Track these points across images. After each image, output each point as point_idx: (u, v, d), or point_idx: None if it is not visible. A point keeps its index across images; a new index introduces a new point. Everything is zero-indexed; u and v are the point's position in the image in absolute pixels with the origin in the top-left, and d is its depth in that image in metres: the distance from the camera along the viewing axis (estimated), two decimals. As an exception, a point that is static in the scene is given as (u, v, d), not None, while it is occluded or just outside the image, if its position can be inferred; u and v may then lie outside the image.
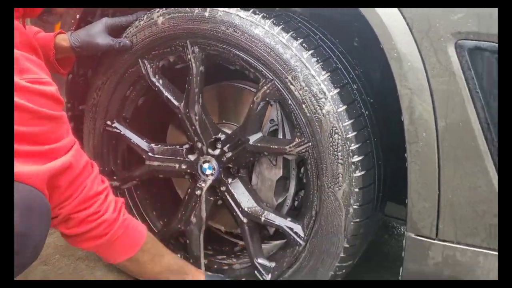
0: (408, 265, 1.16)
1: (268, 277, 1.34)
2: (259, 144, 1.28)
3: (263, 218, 1.32)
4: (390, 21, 1.01)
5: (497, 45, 0.93)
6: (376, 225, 1.41)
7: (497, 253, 1.06)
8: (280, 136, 1.34)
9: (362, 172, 1.15)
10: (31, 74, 1.00)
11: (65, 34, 1.38)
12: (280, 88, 1.19)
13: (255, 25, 1.19)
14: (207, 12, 1.23)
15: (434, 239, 1.10)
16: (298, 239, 1.27)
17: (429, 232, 1.10)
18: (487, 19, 0.94)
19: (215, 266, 1.49)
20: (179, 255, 1.54)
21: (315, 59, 1.16)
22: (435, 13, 0.98)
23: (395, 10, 1.00)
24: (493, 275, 1.07)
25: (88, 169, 1.11)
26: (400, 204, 1.65)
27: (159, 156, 1.47)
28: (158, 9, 1.33)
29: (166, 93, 1.38)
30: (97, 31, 1.35)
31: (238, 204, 1.36)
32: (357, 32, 1.39)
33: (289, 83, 1.17)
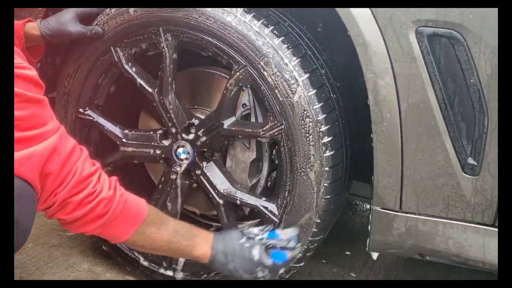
0: (375, 237, 1.26)
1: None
2: (233, 128, 1.33)
3: (239, 199, 1.38)
4: (356, 10, 1.08)
5: (453, 31, 1.02)
6: (344, 202, 1.50)
7: (453, 221, 1.16)
8: (253, 120, 1.39)
9: (332, 152, 1.23)
10: None
11: (34, 22, 1.37)
12: (253, 73, 1.24)
13: (227, 13, 1.23)
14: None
15: (398, 212, 1.19)
16: (272, 217, 1.34)
17: (393, 205, 1.19)
18: (443, 8, 1.03)
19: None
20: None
21: (285, 45, 1.22)
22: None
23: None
24: (451, 243, 1.18)
25: (77, 151, 1.09)
26: (365, 182, 1.76)
27: (133, 142, 1.50)
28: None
29: (139, 80, 1.41)
30: (68, 19, 1.35)
31: (214, 187, 1.41)
32: (321, 18, 1.46)
33: (261, 69, 1.22)
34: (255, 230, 1.29)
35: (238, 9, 1.23)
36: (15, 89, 0.96)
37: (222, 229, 1.45)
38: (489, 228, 1.13)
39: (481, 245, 1.15)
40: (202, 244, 1.24)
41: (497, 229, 1.12)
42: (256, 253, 1.23)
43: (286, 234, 1.27)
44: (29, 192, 1.01)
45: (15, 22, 1.37)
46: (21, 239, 1.03)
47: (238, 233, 1.27)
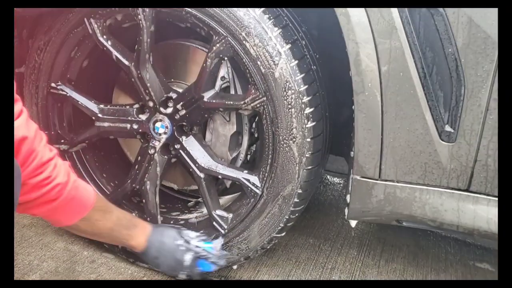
0: (354, 205, 1.29)
1: (226, 227, 1.42)
2: (214, 101, 1.33)
3: (220, 172, 1.38)
4: (338, -20, 1.09)
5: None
6: (321, 173, 1.53)
7: (430, 188, 1.21)
8: (232, 92, 1.39)
9: (313, 123, 1.25)
10: None
11: None
12: (234, 45, 1.23)
13: (207, -18, 1.21)
14: (157, -31, 1.23)
15: (377, 180, 1.23)
16: (255, 189, 1.35)
17: (373, 174, 1.23)
18: (424, -22, 1.05)
19: (171, 222, 1.54)
20: (134, 214, 1.57)
21: (266, 15, 1.21)
22: (379, -27, 1.07)
23: (343, -30, 1.08)
24: (428, 208, 1.23)
25: (39, 136, 1.09)
26: (337, 156, 1.80)
27: (109, 117, 1.47)
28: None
29: (115, 53, 1.37)
30: None
31: (194, 161, 1.41)
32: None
33: (243, 40, 1.22)
34: (192, 234, 1.39)
35: (218, -22, 1.21)
36: None
37: (203, 202, 1.46)
38: (463, 193, 1.19)
39: (455, 210, 1.20)
40: (139, 235, 1.34)
41: (471, 194, 1.17)
42: (188, 259, 1.34)
43: (218, 251, 1.38)
44: (17, 166, 0.99)
45: None
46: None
47: (176, 233, 1.37)
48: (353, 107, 1.19)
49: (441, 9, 1.05)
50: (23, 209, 1.13)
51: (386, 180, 1.23)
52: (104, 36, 1.37)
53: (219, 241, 1.40)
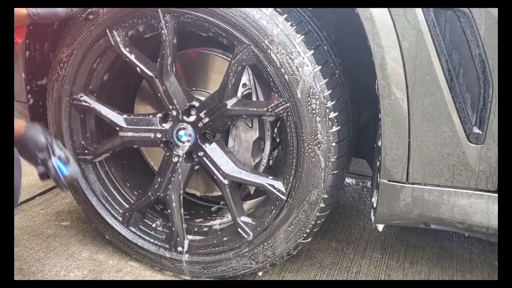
0: (381, 209, 1.29)
1: (251, 233, 1.42)
2: (237, 108, 1.33)
3: (244, 179, 1.39)
4: (362, -15, 1.09)
5: (459, 3, 1.04)
6: (345, 177, 1.53)
7: (458, 190, 1.21)
8: (254, 99, 1.39)
9: (338, 127, 1.25)
10: None
11: None
12: (257, 53, 1.24)
13: (229, -9, 1.22)
14: (180, -20, 1.24)
15: (405, 183, 1.23)
16: (280, 195, 1.35)
17: (400, 177, 1.22)
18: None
19: (195, 229, 1.55)
20: (157, 222, 1.59)
21: (289, 23, 1.22)
22: (404, -24, 1.07)
23: (367, -26, 1.08)
24: (456, 210, 1.22)
25: None
26: (357, 158, 1.79)
27: (133, 127, 1.48)
28: (123, -22, 1.31)
29: (138, 64, 1.38)
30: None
31: (218, 167, 1.41)
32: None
33: (266, 48, 1.22)
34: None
35: (240, -13, 1.22)
36: None
37: (228, 209, 1.46)
38: (492, 194, 1.18)
39: (485, 211, 1.19)
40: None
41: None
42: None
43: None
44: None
45: None
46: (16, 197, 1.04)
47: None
48: (374, 109, 1.18)
49: (467, 11, 1.05)
50: None
51: (414, 183, 1.22)
52: (127, 48, 1.38)
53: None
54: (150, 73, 1.38)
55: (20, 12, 1.29)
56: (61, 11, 1.30)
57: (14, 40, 1.34)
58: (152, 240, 1.56)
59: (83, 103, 1.49)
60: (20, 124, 1.26)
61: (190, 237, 1.52)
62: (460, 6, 1.05)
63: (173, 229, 1.50)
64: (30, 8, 1.29)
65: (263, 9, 1.21)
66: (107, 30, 1.36)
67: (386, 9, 1.09)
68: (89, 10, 1.33)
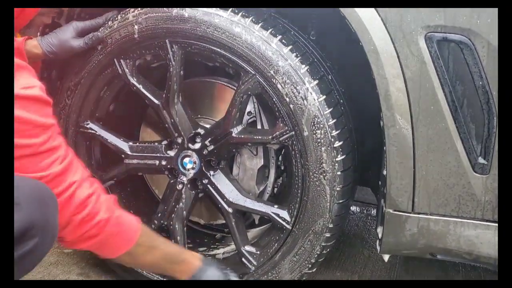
0: (387, 239, 1.28)
1: (255, 263, 1.41)
2: (242, 136, 1.34)
3: (249, 207, 1.38)
4: (366, 17, 1.11)
5: (462, 36, 1.06)
6: (350, 206, 1.52)
7: (464, 220, 1.20)
8: (259, 127, 1.40)
9: (343, 156, 1.25)
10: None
11: (34, 39, 1.35)
12: (263, 82, 1.26)
13: (235, 23, 1.24)
14: (187, 12, 1.27)
15: (410, 213, 1.22)
16: (285, 224, 1.34)
17: (406, 207, 1.22)
18: (452, 13, 1.07)
19: (199, 258, 1.54)
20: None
21: (294, 54, 1.24)
22: (407, 9, 1.09)
23: (371, 8, 1.10)
24: (463, 241, 1.22)
25: (85, 175, 1.12)
26: (363, 186, 1.79)
27: (138, 154, 1.48)
28: (133, 9, 1.34)
29: (145, 92, 1.40)
30: (69, 36, 1.35)
31: (222, 195, 1.41)
32: (315, 26, 1.49)
33: (271, 78, 1.24)
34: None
35: (247, 19, 1.24)
36: (27, 114, 0.98)
37: (232, 238, 1.45)
38: (499, 225, 1.17)
39: (492, 242, 1.18)
40: (183, 271, 1.30)
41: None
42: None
43: None
44: (52, 194, 1.02)
45: (15, 39, 1.35)
46: (52, 239, 1.05)
47: (221, 275, 1.33)
48: (378, 138, 1.19)
49: (470, 43, 1.07)
50: (70, 245, 1.17)
51: (419, 213, 1.22)
52: (134, 77, 1.40)
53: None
54: (156, 102, 1.39)
55: (33, 51, 1.33)
56: (75, 46, 1.35)
57: None
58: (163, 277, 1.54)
59: (89, 130, 1.50)
60: (182, 277, 1.29)
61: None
62: (460, 7, 1.06)
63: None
64: (45, 47, 1.34)
65: (269, 41, 1.23)
66: (115, 60, 1.39)
67: (389, 40, 1.10)
68: (94, 37, 1.36)
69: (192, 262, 1.32)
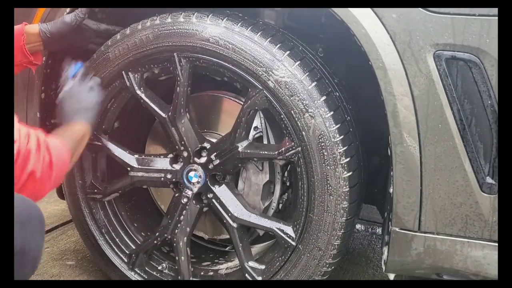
0: (393, 258, 1.26)
1: (259, 279, 1.39)
2: (248, 151, 1.34)
3: (254, 222, 1.37)
4: (375, 34, 1.11)
5: (471, 55, 1.06)
6: (355, 223, 1.51)
7: (471, 240, 1.18)
8: (265, 142, 1.40)
9: (350, 173, 1.24)
10: None
11: (33, 24, 1.34)
12: (270, 97, 1.26)
13: (244, 37, 1.25)
14: (195, 26, 1.28)
15: (416, 232, 1.21)
16: (289, 240, 1.33)
17: (412, 225, 1.20)
18: (461, 32, 1.07)
19: (202, 273, 1.52)
20: (164, 265, 1.56)
21: (302, 69, 1.24)
22: (416, 27, 1.09)
23: (379, 25, 1.10)
24: (470, 261, 1.20)
25: None
26: (368, 204, 1.78)
27: (144, 167, 1.48)
28: (140, 23, 1.36)
29: (152, 105, 1.40)
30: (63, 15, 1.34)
31: (227, 210, 1.40)
32: (322, 42, 1.50)
33: (279, 93, 1.24)
34: None
35: (255, 34, 1.25)
36: None
37: (235, 253, 1.44)
38: (507, 245, 1.15)
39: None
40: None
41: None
42: None
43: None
44: (39, 216, 0.99)
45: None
46: (33, 265, 1.01)
47: None
48: (384, 155, 1.18)
49: (478, 62, 1.07)
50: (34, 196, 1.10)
51: (426, 232, 1.20)
52: (142, 89, 1.40)
53: None
54: (163, 115, 1.40)
55: (32, 29, 1.30)
56: (67, 18, 1.31)
57: (31, 61, 1.34)
58: None
59: (96, 143, 1.50)
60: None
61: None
62: (459, 7, 1.06)
63: (179, 272, 1.47)
64: (42, 24, 1.31)
65: (277, 56, 1.24)
66: (123, 72, 1.39)
67: (398, 58, 1.10)
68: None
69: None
